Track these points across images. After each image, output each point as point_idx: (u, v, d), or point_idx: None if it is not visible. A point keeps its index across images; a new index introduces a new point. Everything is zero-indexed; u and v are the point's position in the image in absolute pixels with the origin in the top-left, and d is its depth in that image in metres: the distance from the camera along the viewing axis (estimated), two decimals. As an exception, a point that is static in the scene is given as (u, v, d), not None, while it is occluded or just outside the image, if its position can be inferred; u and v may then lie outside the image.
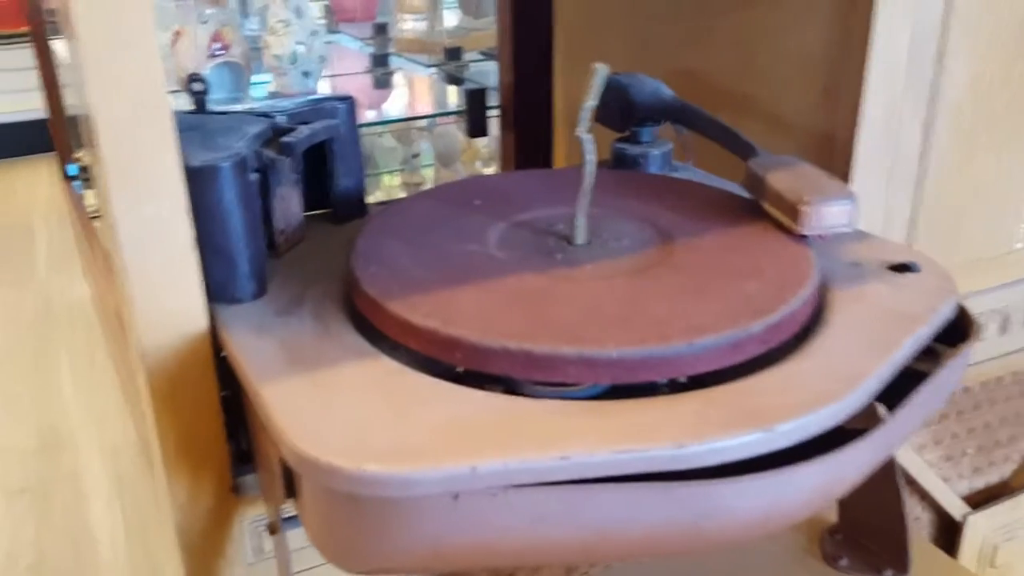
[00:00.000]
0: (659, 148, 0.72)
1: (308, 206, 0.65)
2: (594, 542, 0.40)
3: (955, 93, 0.73)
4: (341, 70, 1.93)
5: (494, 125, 1.35)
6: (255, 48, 1.35)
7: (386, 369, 0.45)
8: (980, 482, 1.01)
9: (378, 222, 0.57)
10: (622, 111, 0.72)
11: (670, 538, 0.40)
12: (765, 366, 0.45)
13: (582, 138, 0.51)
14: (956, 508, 0.97)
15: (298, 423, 0.41)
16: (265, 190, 0.56)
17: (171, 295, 0.49)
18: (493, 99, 1.35)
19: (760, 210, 0.57)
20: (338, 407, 0.42)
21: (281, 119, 0.57)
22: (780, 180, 0.55)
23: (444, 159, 1.99)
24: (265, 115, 0.57)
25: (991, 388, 0.95)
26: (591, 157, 0.52)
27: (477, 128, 1.29)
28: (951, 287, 0.52)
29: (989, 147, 0.77)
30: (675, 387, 0.45)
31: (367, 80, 1.73)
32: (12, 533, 1.64)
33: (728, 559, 0.69)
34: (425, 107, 1.81)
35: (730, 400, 0.42)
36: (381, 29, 1.95)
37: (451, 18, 1.96)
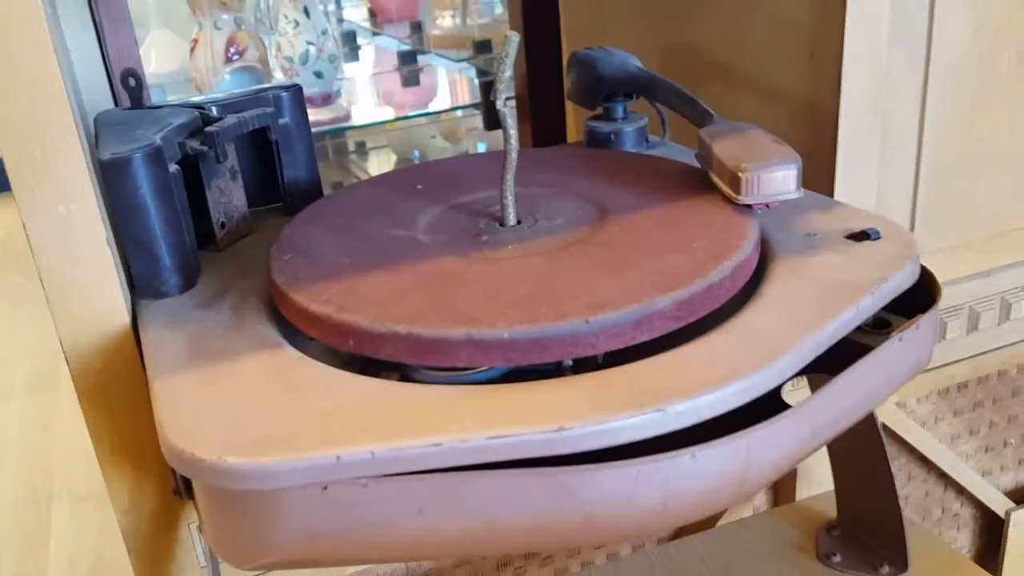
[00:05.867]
0: (632, 124, 0.69)
1: (263, 200, 0.64)
2: (482, 533, 0.38)
3: (953, 51, 0.68)
4: (379, 69, 1.95)
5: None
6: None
7: (286, 359, 0.44)
8: (1024, 475, 0.94)
9: (311, 211, 0.56)
10: (590, 87, 0.69)
11: (561, 529, 0.38)
12: (685, 343, 0.42)
13: (500, 111, 0.49)
14: (998, 503, 0.90)
15: (178, 416, 0.40)
16: (198, 183, 0.55)
17: (88, 293, 0.49)
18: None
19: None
20: (224, 399, 0.41)
21: (212, 110, 0.56)
22: (725, 147, 0.51)
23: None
24: (198, 107, 0.56)
25: (1028, 372, 0.88)
26: (512, 132, 0.49)
27: (494, 120, 1.27)
28: (910, 254, 0.48)
29: (998, 109, 0.71)
30: (584, 369, 0.42)
31: (397, 79, 1.73)
32: (75, 537, 1.69)
33: (715, 555, 0.65)
34: (456, 101, 1.80)
35: (628, 380, 0.39)
36: (416, 28, 1.96)
37: (487, 12, 1.95)
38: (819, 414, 0.41)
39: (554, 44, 1.15)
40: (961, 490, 0.88)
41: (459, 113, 1.73)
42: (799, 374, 0.41)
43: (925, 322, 0.46)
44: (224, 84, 1.24)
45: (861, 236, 0.50)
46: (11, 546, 1.70)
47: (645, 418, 0.36)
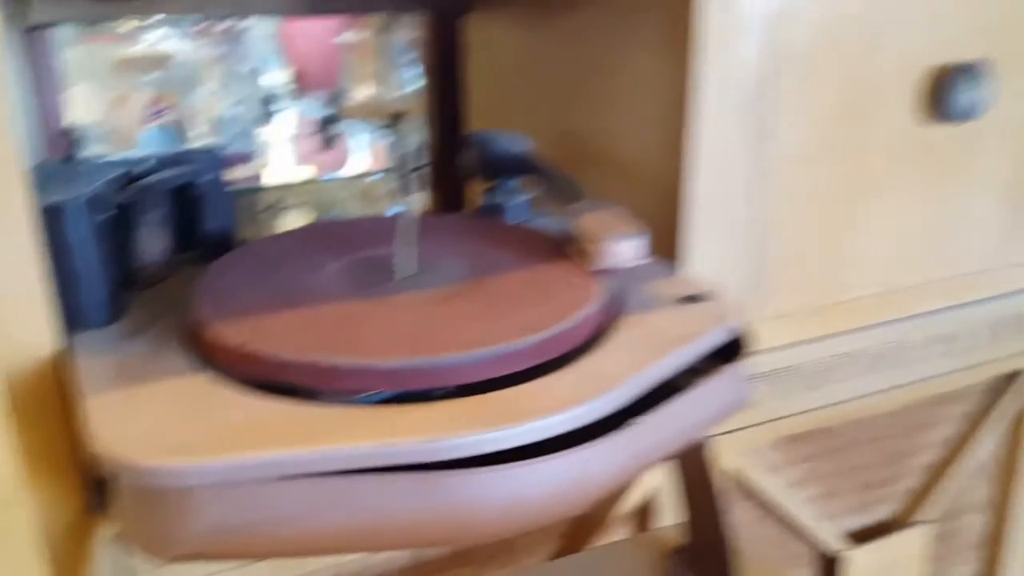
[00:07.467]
0: (520, 198, 0.79)
1: (184, 248, 0.72)
2: (367, 531, 0.46)
3: (795, 140, 0.80)
4: (297, 132, 2.03)
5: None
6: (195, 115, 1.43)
7: (200, 383, 0.51)
8: (867, 519, 1.06)
9: (228, 258, 0.63)
10: (484, 164, 0.79)
11: (435, 527, 0.46)
12: (540, 377, 0.51)
13: (402, 182, 0.58)
14: (833, 544, 1.01)
15: (105, 428, 0.46)
16: (127, 230, 0.63)
17: (24, 324, 0.55)
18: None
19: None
20: (145, 415, 0.47)
21: (140, 167, 0.63)
22: (585, 222, 0.62)
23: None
24: (127, 163, 0.64)
25: (866, 427, 1.00)
26: (411, 199, 0.58)
27: (403, 186, 1.36)
28: (729, 315, 0.58)
29: (835, 191, 0.83)
30: (458, 394, 0.51)
31: (315, 143, 1.82)
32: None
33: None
34: (371, 167, 1.89)
35: (493, 403, 0.48)
36: (336, 96, 2.05)
37: (405, 85, 2.06)
38: (639, 440, 0.50)
39: (462, 122, 1.26)
40: (800, 531, 0.99)
41: (373, 178, 1.82)
42: (640, 410, 0.51)
43: (727, 371, 0.56)
44: (144, 140, 1.31)
45: (693, 299, 0.60)
46: None
47: (502, 433, 0.45)
